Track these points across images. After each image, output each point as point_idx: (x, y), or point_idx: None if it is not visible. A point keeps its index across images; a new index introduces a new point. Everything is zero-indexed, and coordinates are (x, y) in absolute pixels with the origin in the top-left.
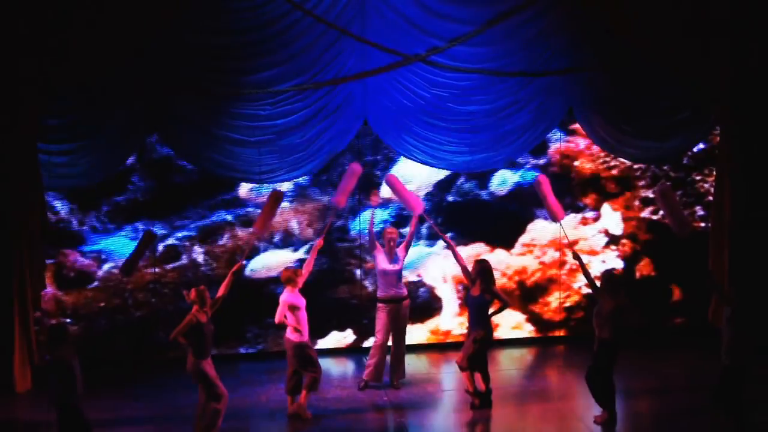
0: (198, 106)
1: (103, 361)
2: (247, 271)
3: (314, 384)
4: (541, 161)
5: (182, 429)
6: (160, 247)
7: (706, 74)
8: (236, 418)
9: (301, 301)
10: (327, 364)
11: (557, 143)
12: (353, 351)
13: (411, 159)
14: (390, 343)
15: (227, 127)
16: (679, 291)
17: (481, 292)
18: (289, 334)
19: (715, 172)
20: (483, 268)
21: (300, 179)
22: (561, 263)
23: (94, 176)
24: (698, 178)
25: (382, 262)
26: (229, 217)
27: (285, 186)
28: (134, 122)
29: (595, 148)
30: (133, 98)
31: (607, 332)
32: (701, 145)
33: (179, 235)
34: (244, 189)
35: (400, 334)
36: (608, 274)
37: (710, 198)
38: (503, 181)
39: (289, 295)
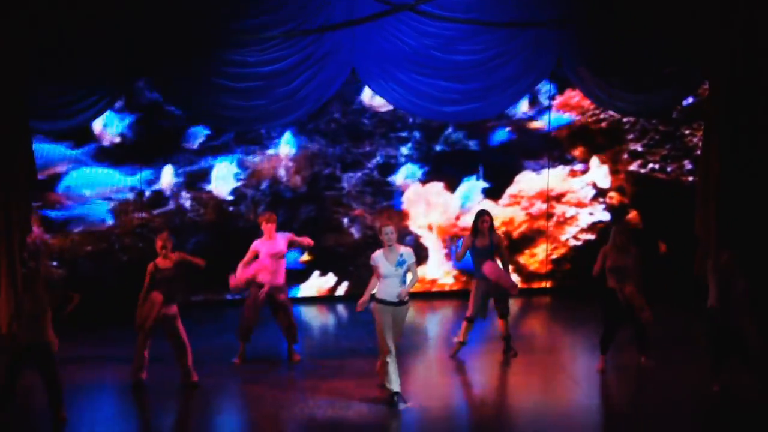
0: (186, 52)
1: (88, 305)
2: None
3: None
4: (530, 113)
5: (166, 371)
6: (148, 192)
7: (694, 31)
8: (221, 364)
9: (270, 247)
10: (311, 312)
11: (546, 95)
12: (335, 299)
13: (398, 108)
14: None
15: (216, 73)
16: (665, 244)
17: (489, 242)
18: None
19: (703, 126)
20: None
21: (287, 126)
22: (548, 215)
23: (83, 119)
24: (687, 132)
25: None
26: (216, 163)
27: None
28: (122, 66)
29: (585, 101)
30: (122, 42)
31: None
32: (690, 99)
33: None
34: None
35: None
36: (622, 227)
37: (698, 152)
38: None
39: (257, 241)
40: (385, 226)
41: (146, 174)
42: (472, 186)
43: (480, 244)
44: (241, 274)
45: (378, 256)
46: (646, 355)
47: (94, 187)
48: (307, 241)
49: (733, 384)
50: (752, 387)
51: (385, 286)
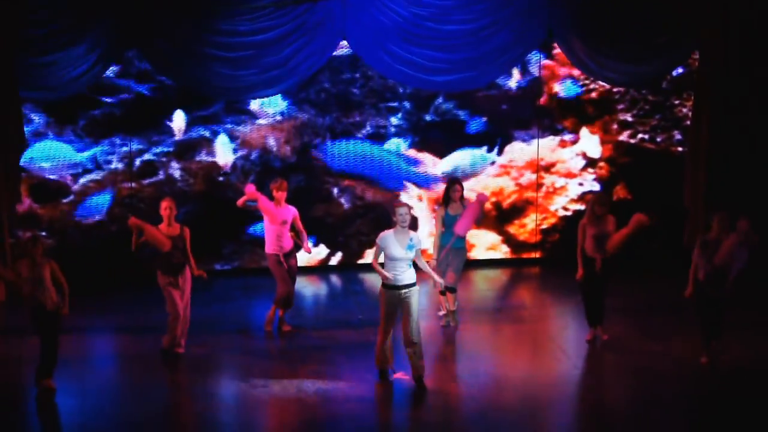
0: (177, 21)
1: (78, 275)
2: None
3: (277, 301)
4: (521, 83)
5: (154, 340)
6: (137, 162)
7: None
8: (210, 334)
9: (279, 213)
10: (301, 282)
11: (537, 65)
12: (326, 269)
13: (389, 78)
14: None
15: (206, 43)
16: (654, 215)
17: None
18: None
19: (693, 97)
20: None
21: (278, 96)
22: (538, 185)
23: (72, 89)
24: (677, 102)
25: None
26: (206, 133)
27: (261, 102)
28: (113, 36)
29: (575, 71)
30: (112, 11)
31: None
32: (680, 70)
33: (156, 150)
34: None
35: None
36: (601, 197)
37: (688, 122)
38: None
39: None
40: (400, 206)
41: (135, 144)
42: (475, 157)
43: (453, 212)
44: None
45: (387, 237)
46: (603, 328)
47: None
48: (304, 235)
49: (722, 356)
50: (742, 358)
51: (392, 269)
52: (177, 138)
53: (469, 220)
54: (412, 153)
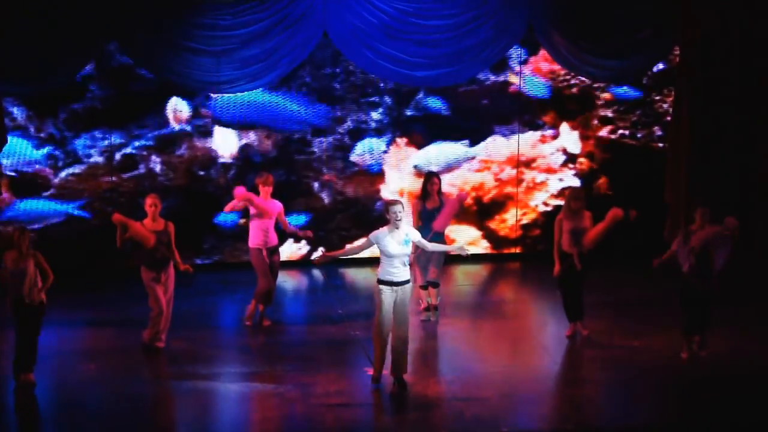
0: (158, 15)
1: (59, 269)
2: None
3: (258, 295)
4: (501, 78)
5: (135, 334)
6: (118, 156)
7: None
8: (190, 329)
9: (268, 206)
10: (281, 277)
11: (517, 60)
12: (306, 264)
13: (371, 73)
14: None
15: (187, 37)
16: (635, 211)
17: (440, 204)
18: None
19: (673, 93)
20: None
21: (259, 90)
22: (518, 180)
23: (53, 82)
24: (657, 98)
25: None
26: (187, 128)
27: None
28: (93, 29)
29: (555, 66)
30: (93, 5)
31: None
32: (661, 65)
33: (137, 144)
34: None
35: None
36: (576, 192)
37: (668, 118)
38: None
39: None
40: (394, 204)
41: (116, 138)
42: (451, 151)
43: (431, 206)
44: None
45: (381, 235)
46: (582, 323)
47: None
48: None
49: (702, 352)
50: (724, 353)
51: (388, 267)
52: (177, 127)
53: (447, 216)
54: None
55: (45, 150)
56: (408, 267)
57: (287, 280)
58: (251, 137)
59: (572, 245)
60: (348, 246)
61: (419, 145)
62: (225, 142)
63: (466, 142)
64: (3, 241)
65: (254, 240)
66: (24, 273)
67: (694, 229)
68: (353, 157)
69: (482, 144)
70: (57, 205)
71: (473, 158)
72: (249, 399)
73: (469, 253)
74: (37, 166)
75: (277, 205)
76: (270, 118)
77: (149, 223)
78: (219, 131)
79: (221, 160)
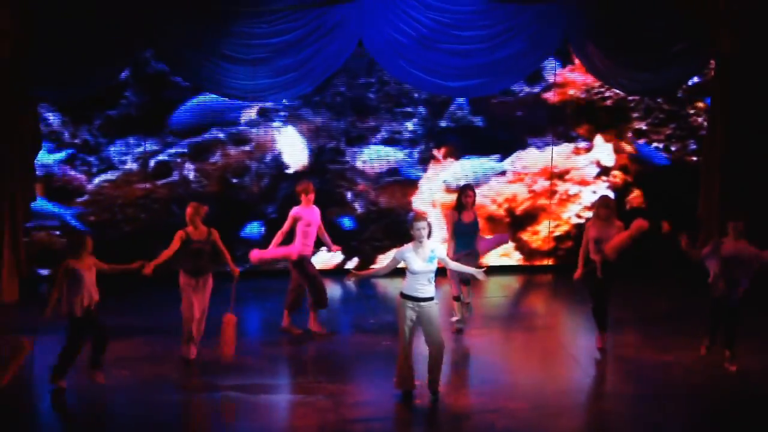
0: (194, 23)
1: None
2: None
3: (314, 303)
4: (535, 89)
5: (169, 341)
6: (152, 163)
7: (702, 8)
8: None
9: (309, 215)
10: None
11: (552, 72)
12: (340, 272)
13: (405, 82)
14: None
15: (222, 45)
16: (668, 224)
17: (474, 218)
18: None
19: (709, 106)
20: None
21: (293, 99)
22: (551, 192)
23: (88, 88)
24: (692, 111)
25: None
26: (221, 135)
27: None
28: (129, 36)
29: (590, 78)
30: (130, 12)
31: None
32: (696, 79)
33: (171, 151)
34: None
35: None
36: (605, 199)
37: (703, 132)
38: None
39: (297, 208)
40: (418, 221)
41: (150, 144)
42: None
43: (467, 219)
44: (267, 253)
45: (406, 251)
46: (605, 336)
47: None
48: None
49: (732, 367)
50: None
51: (413, 282)
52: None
53: (488, 248)
54: None
55: (77, 156)
56: (433, 284)
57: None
58: (285, 146)
59: (596, 252)
60: (375, 266)
61: (456, 156)
62: (292, 150)
63: (497, 156)
64: (68, 246)
65: (301, 244)
66: (82, 280)
67: (725, 241)
68: (358, 163)
69: (511, 157)
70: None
71: (503, 173)
72: (278, 409)
73: (487, 278)
74: (71, 172)
75: (317, 213)
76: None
77: (192, 230)
78: (285, 139)
79: (288, 170)
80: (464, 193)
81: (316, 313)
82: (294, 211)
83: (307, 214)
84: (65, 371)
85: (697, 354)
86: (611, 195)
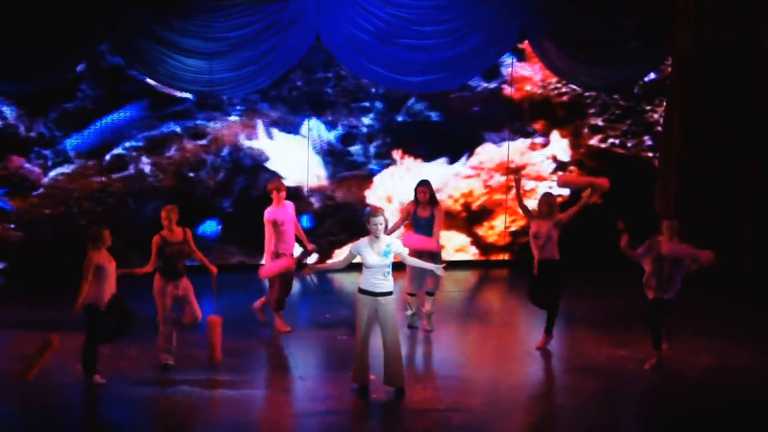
0: (151, 16)
1: (46, 269)
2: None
3: (275, 301)
4: (492, 85)
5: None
6: (108, 157)
7: (658, 4)
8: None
9: (283, 214)
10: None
11: (509, 68)
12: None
13: (363, 78)
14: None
15: (179, 38)
16: (623, 220)
17: (431, 214)
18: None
19: (665, 103)
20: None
21: (250, 93)
22: (508, 187)
23: (44, 81)
24: (648, 108)
25: None
26: (177, 129)
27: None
28: (86, 29)
29: (547, 74)
30: (85, 4)
31: (556, 253)
32: (652, 75)
33: (127, 144)
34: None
35: None
36: (548, 197)
37: (659, 128)
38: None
39: (271, 210)
40: (375, 215)
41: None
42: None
43: (422, 214)
44: (273, 266)
45: (361, 246)
46: (550, 336)
47: None
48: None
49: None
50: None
51: (369, 277)
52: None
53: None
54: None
55: (33, 149)
56: (390, 278)
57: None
58: (241, 140)
59: (535, 248)
60: (331, 261)
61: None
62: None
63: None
64: (88, 240)
65: (282, 246)
66: (105, 273)
67: (661, 240)
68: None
69: (469, 159)
70: None
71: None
72: (235, 403)
73: (444, 275)
74: (26, 165)
75: (291, 208)
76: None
77: (168, 234)
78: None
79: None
80: (418, 188)
81: (265, 302)
82: (268, 214)
83: (280, 214)
84: (94, 365)
85: (651, 349)
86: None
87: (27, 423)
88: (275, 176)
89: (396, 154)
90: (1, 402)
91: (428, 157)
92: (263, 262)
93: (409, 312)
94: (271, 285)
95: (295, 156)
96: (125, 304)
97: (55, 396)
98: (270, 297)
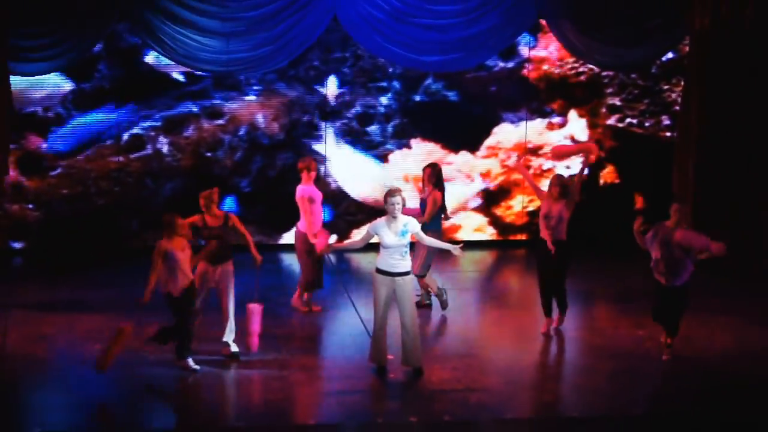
0: None
1: (63, 249)
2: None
3: (309, 283)
4: (510, 64)
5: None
6: (125, 136)
7: None
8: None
9: (315, 192)
10: (291, 259)
11: (526, 47)
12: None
13: (380, 57)
14: None
15: (197, 18)
16: (642, 199)
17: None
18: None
19: (683, 82)
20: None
21: (267, 73)
22: (526, 167)
23: (62, 62)
24: (666, 87)
25: None
26: (194, 108)
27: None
28: (101, 9)
29: (564, 54)
30: None
31: (564, 234)
32: (670, 55)
33: (145, 124)
34: None
35: None
36: (559, 178)
37: (677, 108)
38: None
39: (304, 187)
40: (392, 195)
41: (123, 117)
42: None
43: (422, 196)
44: (323, 238)
45: (379, 225)
46: (560, 318)
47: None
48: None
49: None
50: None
51: (386, 257)
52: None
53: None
54: None
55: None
56: (408, 258)
57: (294, 263)
58: (258, 120)
59: (546, 229)
60: (349, 240)
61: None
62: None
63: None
64: (162, 227)
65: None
66: (177, 260)
67: (669, 226)
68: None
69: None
70: None
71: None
72: (253, 382)
73: (463, 254)
74: (44, 146)
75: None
76: None
77: (209, 219)
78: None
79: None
80: (424, 170)
81: (304, 291)
82: (302, 192)
83: (314, 191)
84: (187, 349)
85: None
86: (560, 174)
87: (50, 405)
88: (306, 155)
89: (414, 141)
90: (22, 384)
91: (448, 143)
92: (294, 240)
93: (418, 293)
94: (305, 266)
95: None
96: (193, 304)
97: (77, 379)
98: (304, 279)
